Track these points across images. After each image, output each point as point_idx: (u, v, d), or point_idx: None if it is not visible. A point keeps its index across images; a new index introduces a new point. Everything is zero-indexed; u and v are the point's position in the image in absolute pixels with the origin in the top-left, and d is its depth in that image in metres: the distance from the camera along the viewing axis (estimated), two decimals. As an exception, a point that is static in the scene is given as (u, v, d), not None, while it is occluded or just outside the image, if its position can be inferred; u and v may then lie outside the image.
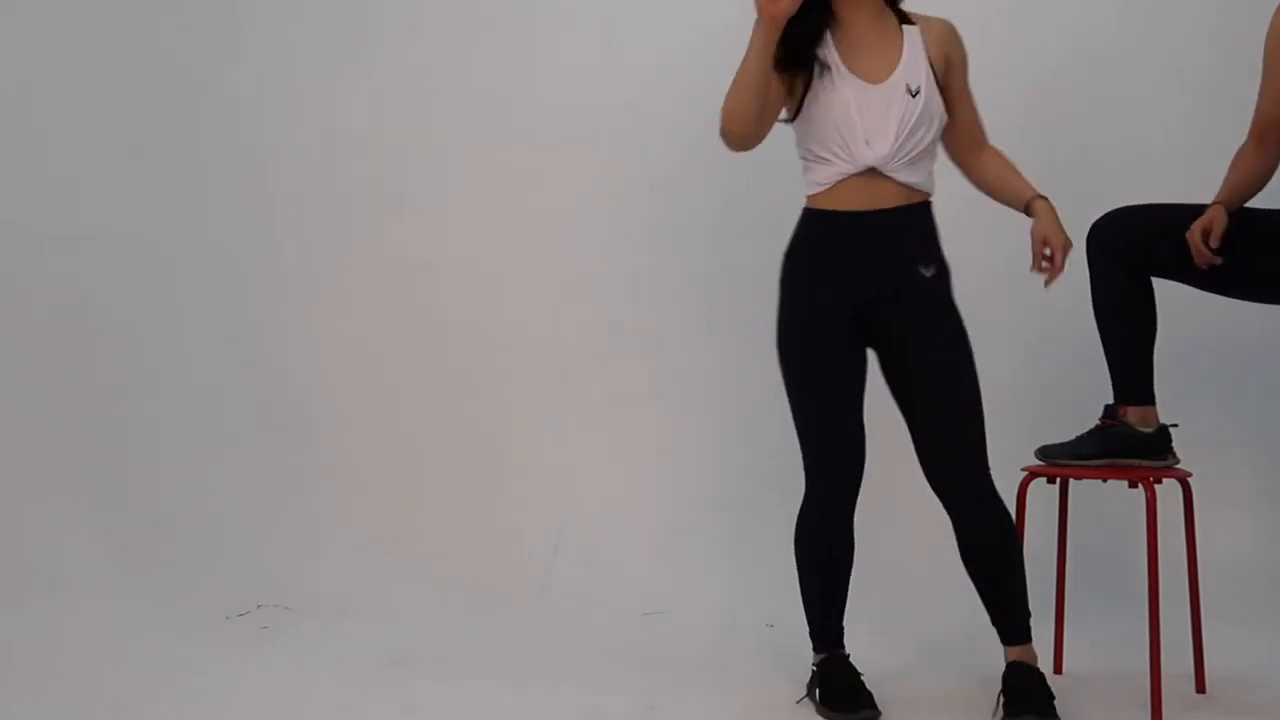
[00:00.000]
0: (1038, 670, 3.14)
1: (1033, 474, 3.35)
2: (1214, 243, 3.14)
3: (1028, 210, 3.14)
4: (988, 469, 3.11)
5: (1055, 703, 3.09)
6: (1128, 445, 3.30)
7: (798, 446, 4.26)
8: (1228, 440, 4.06)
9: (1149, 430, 3.33)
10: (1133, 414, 3.31)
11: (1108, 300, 3.31)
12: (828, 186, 3.14)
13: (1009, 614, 3.15)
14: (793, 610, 4.00)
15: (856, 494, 3.21)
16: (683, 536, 4.22)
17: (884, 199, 3.11)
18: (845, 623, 3.33)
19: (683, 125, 4.37)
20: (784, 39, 3.04)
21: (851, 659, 3.28)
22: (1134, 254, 3.23)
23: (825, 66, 3.11)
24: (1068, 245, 3.09)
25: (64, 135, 4.55)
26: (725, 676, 3.52)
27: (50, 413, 4.50)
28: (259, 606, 4.14)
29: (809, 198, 3.19)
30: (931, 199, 3.18)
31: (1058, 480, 3.40)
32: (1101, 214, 3.31)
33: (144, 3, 4.55)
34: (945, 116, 3.16)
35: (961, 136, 3.24)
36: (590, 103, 4.41)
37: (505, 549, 4.28)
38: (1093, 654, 3.61)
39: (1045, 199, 3.14)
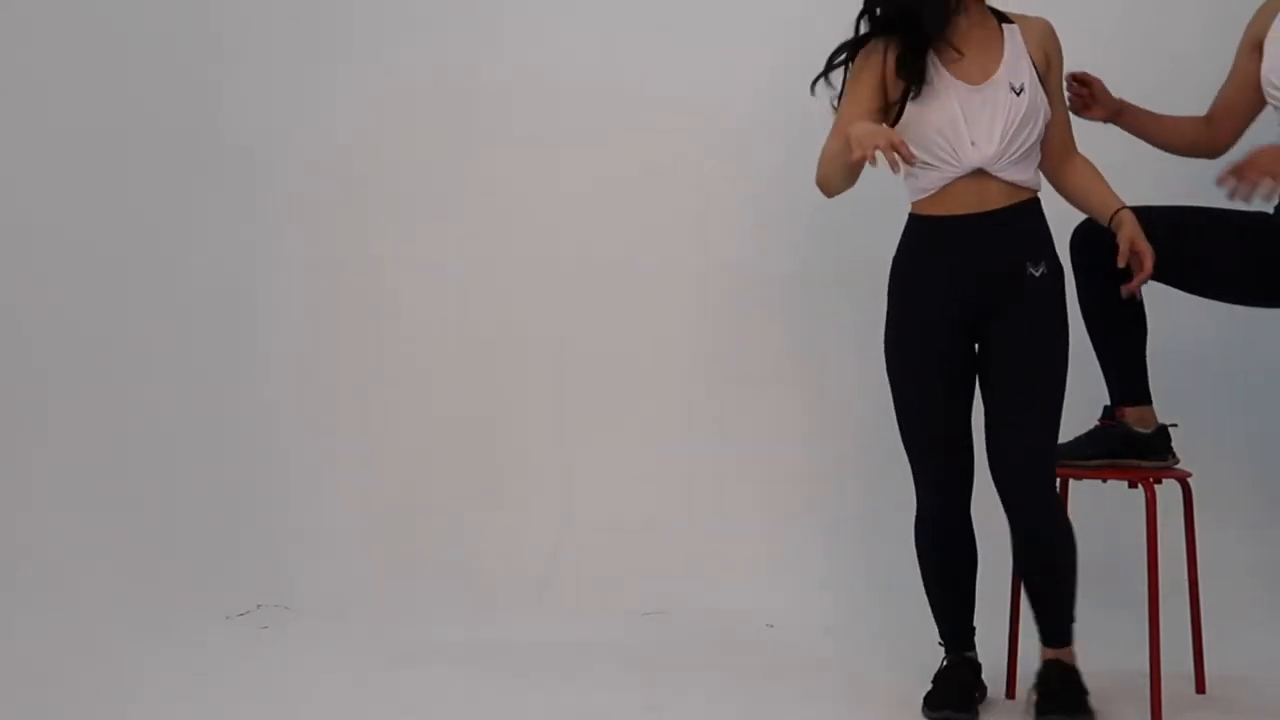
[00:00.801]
0: (1072, 668, 3.13)
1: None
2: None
3: (1111, 221, 3.12)
4: (1051, 477, 3.09)
5: (1089, 698, 3.09)
6: (1127, 445, 3.30)
7: (799, 446, 4.30)
8: (1228, 440, 4.06)
9: (1147, 430, 3.33)
10: (1130, 414, 3.31)
11: (1095, 305, 3.31)
12: (933, 192, 3.14)
13: (1051, 618, 3.13)
14: (793, 610, 4.01)
15: (963, 502, 3.20)
16: (684, 537, 4.22)
17: (990, 200, 3.10)
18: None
19: (680, 120, 4.38)
20: (897, 61, 3.09)
21: (976, 659, 3.30)
22: (1116, 257, 3.23)
23: (929, 77, 3.12)
24: (1153, 252, 3.05)
25: (60, 135, 4.55)
26: (725, 676, 3.52)
27: (49, 413, 4.50)
28: (259, 606, 4.14)
29: (914, 204, 3.18)
30: (1039, 195, 3.16)
31: (1057, 480, 3.40)
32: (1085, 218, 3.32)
33: (142, 5, 4.56)
34: (1049, 113, 3.14)
35: (1052, 140, 3.20)
36: (592, 94, 4.42)
37: (505, 549, 4.28)
38: (1093, 654, 3.60)
39: (1129, 209, 3.11)
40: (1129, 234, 3.07)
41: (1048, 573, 3.11)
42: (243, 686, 3.46)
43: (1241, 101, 3.40)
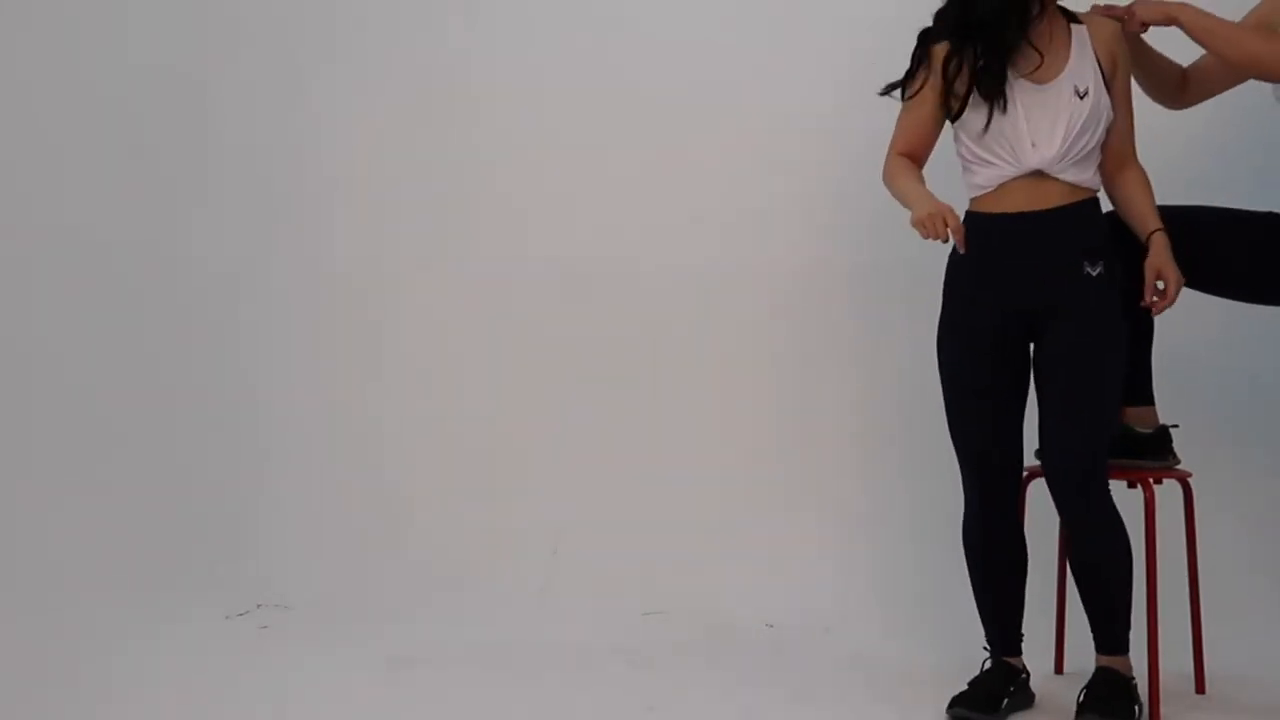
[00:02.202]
0: (1123, 677, 3.13)
1: (1032, 474, 3.35)
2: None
3: (1146, 242, 3.12)
4: (1100, 482, 3.08)
5: (1137, 708, 3.09)
6: (1128, 446, 3.30)
7: (799, 446, 4.29)
8: (1228, 440, 4.06)
9: (1148, 430, 3.33)
10: (1132, 415, 3.31)
11: None
12: (990, 189, 3.15)
13: (1102, 624, 3.14)
14: (793, 610, 4.01)
15: (1008, 502, 3.20)
16: (684, 537, 4.22)
17: (1048, 199, 3.10)
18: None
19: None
20: (981, 69, 3.10)
21: (1017, 665, 3.29)
22: (1125, 257, 3.23)
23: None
24: (1180, 280, 3.08)
25: (63, 132, 4.55)
26: (725, 676, 3.52)
27: (49, 412, 4.49)
28: (259, 606, 4.13)
29: (971, 200, 3.19)
30: (1098, 195, 3.16)
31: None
32: None
33: (136, 4, 4.56)
34: (1112, 116, 3.13)
35: (1112, 146, 3.17)
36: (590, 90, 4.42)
37: (505, 549, 4.28)
38: (1093, 654, 3.60)
39: (1163, 232, 3.11)
40: (1154, 263, 3.08)
41: (1093, 579, 3.11)
42: (243, 686, 3.46)
43: (1219, 71, 3.36)
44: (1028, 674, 3.30)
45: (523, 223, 4.44)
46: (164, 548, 4.31)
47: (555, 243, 4.42)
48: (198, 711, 3.29)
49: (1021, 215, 3.11)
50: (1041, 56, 3.10)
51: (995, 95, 3.09)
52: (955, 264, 3.20)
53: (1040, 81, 3.10)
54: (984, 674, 3.26)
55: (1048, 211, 3.10)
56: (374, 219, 4.50)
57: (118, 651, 3.73)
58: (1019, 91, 3.10)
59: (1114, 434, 3.27)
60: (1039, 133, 3.08)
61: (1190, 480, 3.37)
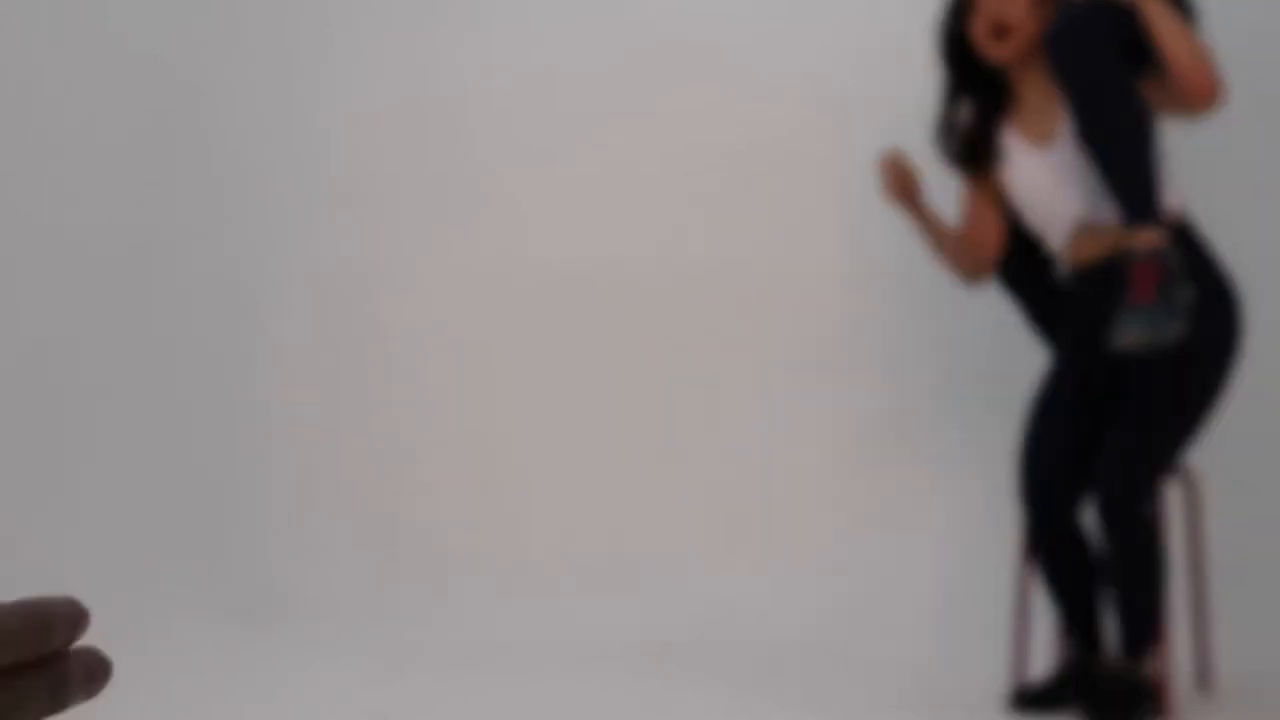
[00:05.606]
0: (1129, 678, 3.12)
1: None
2: None
3: None
4: (1130, 487, 3.04)
5: (1141, 709, 3.09)
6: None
7: (799, 445, 4.29)
8: (1231, 439, 4.05)
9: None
10: None
11: None
12: (1059, 247, 3.17)
13: (1120, 623, 3.14)
14: (794, 611, 4.01)
15: (1053, 520, 3.16)
16: (686, 538, 4.22)
17: (1101, 247, 3.10)
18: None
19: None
20: (967, 144, 3.15)
21: (1090, 659, 3.28)
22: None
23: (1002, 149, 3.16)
24: None
25: (63, 132, 4.56)
26: (725, 677, 3.51)
27: (48, 413, 4.50)
28: (259, 607, 4.13)
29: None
30: (1180, 222, 3.09)
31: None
32: None
33: (131, 5, 4.57)
34: None
35: None
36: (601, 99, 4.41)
37: (504, 550, 4.28)
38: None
39: None
40: None
41: (1117, 581, 3.11)
42: (242, 686, 3.45)
43: None
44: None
45: (523, 222, 4.45)
46: (164, 548, 4.31)
47: (556, 242, 4.42)
48: (198, 711, 3.28)
49: (1094, 267, 3.12)
50: (1029, 107, 3.11)
51: (983, 154, 3.13)
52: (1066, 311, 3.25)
53: (1041, 143, 3.11)
54: (1055, 673, 3.28)
55: (1115, 258, 3.08)
56: (374, 219, 4.50)
57: (118, 651, 3.73)
58: (1027, 158, 3.12)
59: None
60: (1059, 191, 3.09)
61: (1196, 478, 3.36)
